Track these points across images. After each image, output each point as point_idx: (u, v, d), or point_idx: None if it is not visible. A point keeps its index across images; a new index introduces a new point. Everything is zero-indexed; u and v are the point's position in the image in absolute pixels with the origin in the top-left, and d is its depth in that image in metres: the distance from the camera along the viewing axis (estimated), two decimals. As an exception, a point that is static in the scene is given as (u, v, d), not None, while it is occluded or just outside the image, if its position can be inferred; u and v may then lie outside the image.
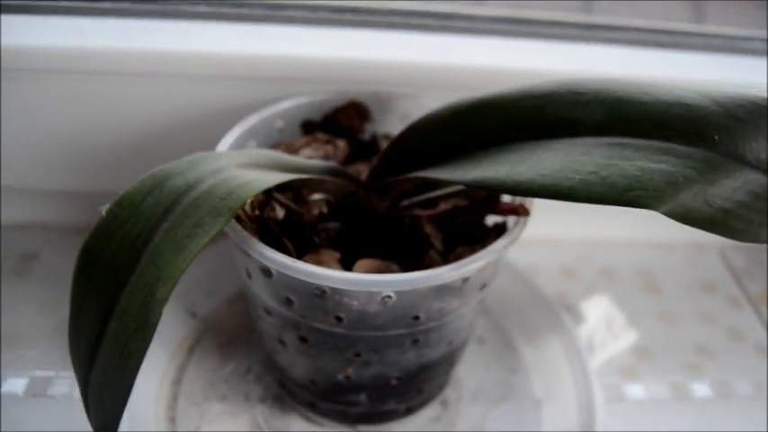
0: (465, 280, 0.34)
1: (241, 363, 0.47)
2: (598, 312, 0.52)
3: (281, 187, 0.39)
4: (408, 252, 0.37)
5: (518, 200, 0.38)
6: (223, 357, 0.47)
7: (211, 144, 0.39)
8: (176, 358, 0.47)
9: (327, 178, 0.34)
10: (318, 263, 0.34)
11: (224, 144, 0.39)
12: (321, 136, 0.42)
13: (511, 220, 0.39)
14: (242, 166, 0.34)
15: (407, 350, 0.37)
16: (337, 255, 0.35)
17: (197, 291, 0.51)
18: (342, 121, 0.44)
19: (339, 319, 0.34)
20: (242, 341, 0.48)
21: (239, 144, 0.40)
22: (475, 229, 0.39)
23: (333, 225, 0.39)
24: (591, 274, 0.56)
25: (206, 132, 0.43)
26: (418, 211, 0.39)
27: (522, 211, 0.35)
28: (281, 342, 0.38)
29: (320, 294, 0.33)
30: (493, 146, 0.34)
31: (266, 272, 0.33)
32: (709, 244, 0.60)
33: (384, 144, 0.44)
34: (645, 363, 0.49)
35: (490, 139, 0.34)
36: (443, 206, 0.40)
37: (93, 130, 0.48)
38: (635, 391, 0.48)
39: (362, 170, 0.42)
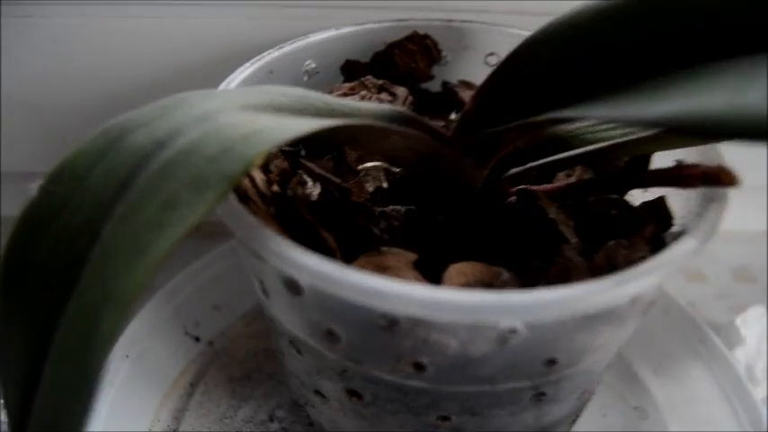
0: (634, 298, 0.19)
1: (261, 406, 0.32)
2: (751, 327, 0.36)
3: (314, 151, 0.24)
4: (522, 250, 0.22)
5: (697, 159, 0.22)
6: (235, 398, 0.32)
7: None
8: (171, 400, 0.32)
9: (394, 127, 0.19)
10: (381, 269, 0.19)
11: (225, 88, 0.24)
12: (372, 80, 0.27)
13: (678, 199, 0.23)
14: (249, 108, 0.19)
15: (525, 409, 0.21)
16: (412, 256, 0.20)
17: (201, 305, 0.35)
18: (400, 61, 0.29)
19: (420, 366, 0.19)
20: (262, 375, 0.33)
21: (251, 91, 0.25)
22: (616, 212, 0.24)
23: (396, 209, 0.23)
24: (723, 274, 0.40)
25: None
26: (528, 187, 0.23)
27: (725, 178, 0.19)
28: (319, 394, 0.23)
29: (388, 327, 0.18)
30: (682, 66, 0.18)
31: (293, 286, 0.18)
32: None
33: (466, 96, 0.28)
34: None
35: (675, 56, 0.18)
36: (566, 178, 0.25)
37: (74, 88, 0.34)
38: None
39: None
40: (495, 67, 0.20)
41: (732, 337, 0.34)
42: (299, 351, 0.22)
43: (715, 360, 0.32)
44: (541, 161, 0.22)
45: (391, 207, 0.23)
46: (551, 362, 0.19)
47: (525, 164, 0.22)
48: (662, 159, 0.25)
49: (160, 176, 0.17)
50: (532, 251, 0.21)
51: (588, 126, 0.23)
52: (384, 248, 0.20)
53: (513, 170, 0.22)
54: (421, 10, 0.30)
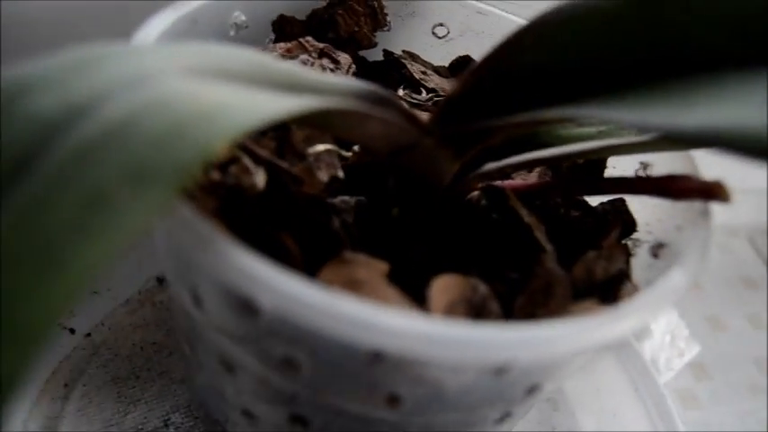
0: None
1: (152, 410, 0.27)
2: (658, 321, 0.37)
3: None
4: (493, 255, 0.19)
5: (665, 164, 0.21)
6: (122, 401, 0.27)
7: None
8: (42, 406, 0.26)
9: (377, 112, 0.16)
10: (353, 285, 0.16)
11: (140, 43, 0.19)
12: (313, 42, 0.23)
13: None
14: (196, 72, 0.14)
15: (484, 429, 0.19)
16: (383, 267, 0.17)
17: (77, 290, 0.30)
18: (342, 23, 0.25)
19: (395, 399, 0.16)
20: (152, 372, 0.29)
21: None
22: (578, 214, 0.22)
23: (344, 200, 0.20)
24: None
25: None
26: (491, 183, 0.21)
27: (722, 194, 0.18)
28: (248, 414, 0.20)
29: (371, 361, 0.15)
30: (700, 71, 0.16)
31: (247, 307, 0.15)
32: (739, 227, 0.47)
33: (415, 71, 0.25)
34: (704, 385, 0.35)
35: (696, 59, 0.16)
36: (526, 175, 0.22)
37: None
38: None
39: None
40: (492, 49, 0.17)
41: (640, 331, 0.35)
42: (230, 370, 0.18)
43: (624, 352, 0.33)
44: (519, 159, 0.19)
45: (340, 198, 0.20)
46: (534, 388, 0.17)
47: (498, 159, 0.19)
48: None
49: (80, 160, 0.12)
50: (505, 257, 0.19)
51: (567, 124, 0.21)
52: (348, 255, 0.17)
53: (488, 166, 0.19)
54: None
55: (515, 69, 0.17)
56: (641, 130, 0.16)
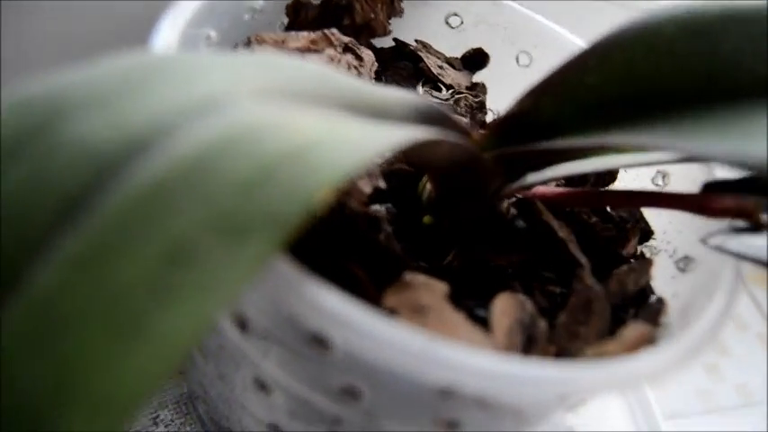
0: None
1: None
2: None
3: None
4: (530, 264, 0.20)
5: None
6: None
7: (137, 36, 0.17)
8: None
9: (451, 138, 0.15)
10: (420, 311, 0.16)
11: (168, 33, 0.18)
12: (338, 36, 0.22)
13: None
14: (265, 93, 0.13)
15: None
16: (443, 287, 0.17)
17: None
18: (360, 10, 0.24)
19: (454, 424, 0.16)
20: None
21: (191, 36, 0.19)
22: (598, 220, 0.23)
23: (376, 209, 0.20)
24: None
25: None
26: (523, 194, 0.21)
27: (756, 216, 0.19)
28: (276, 429, 0.19)
29: (439, 394, 0.15)
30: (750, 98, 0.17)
31: (317, 340, 0.14)
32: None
33: (431, 64, 0.25)
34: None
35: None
36: (557, 187, 0.23)
37: None
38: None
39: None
40: (552, 70, 0.17)
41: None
42: (263, 388, 0.18)
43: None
44: (558, 172, 0.19)
45: (372, 207, 0.20)
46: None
47: (537, 170, 0.20)
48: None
49: (151, 204, 0.10)
50: (541, 267, 0.20)
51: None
52: (408, 277, 0.17)
53: (530, 178, 0.19)
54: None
55: (573, 91, 0.17)
56: (703, 158, 0.17)
